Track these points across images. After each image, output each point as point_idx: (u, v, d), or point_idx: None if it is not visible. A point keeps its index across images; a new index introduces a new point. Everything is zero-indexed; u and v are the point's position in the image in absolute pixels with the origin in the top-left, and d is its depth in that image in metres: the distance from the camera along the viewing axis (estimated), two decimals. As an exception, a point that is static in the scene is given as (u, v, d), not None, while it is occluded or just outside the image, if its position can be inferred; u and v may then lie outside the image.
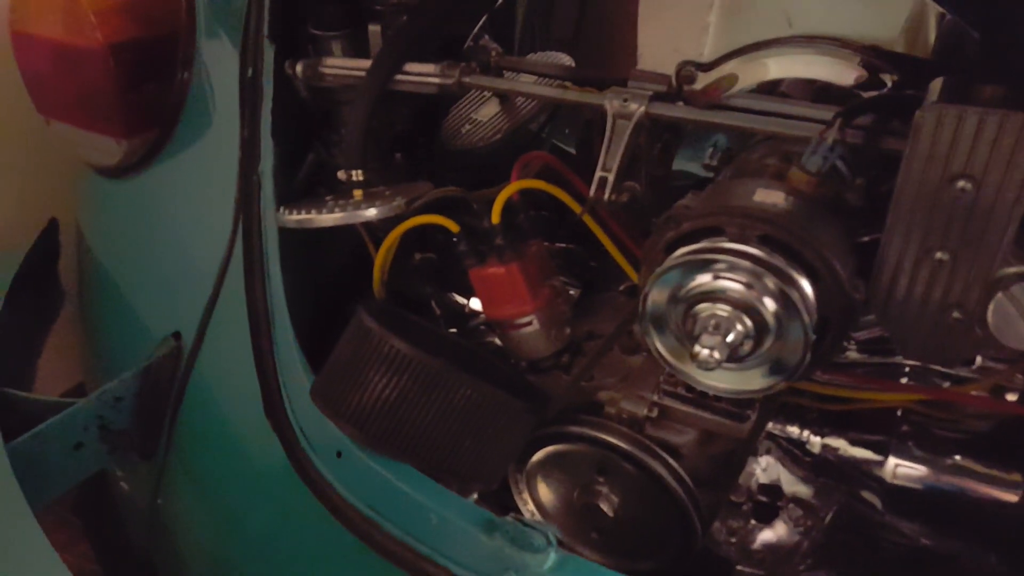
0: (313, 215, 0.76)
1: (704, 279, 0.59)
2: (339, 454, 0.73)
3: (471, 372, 0.72)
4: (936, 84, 0.57)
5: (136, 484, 1.03)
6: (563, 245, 1.05)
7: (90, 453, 0.87)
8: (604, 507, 0.80)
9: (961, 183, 0.54)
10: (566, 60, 1.03)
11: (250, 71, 0.88)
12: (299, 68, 0.84)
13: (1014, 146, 0.51)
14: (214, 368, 0.88)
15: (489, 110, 1.00)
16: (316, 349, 0.80)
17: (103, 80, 0.90)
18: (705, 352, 0.58)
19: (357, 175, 0.80)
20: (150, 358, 0.90)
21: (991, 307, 0.55)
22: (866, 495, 0.79)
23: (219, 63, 0.93)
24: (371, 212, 0.76)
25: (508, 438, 0.74)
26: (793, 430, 0.80)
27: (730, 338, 0.58)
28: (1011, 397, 0.75)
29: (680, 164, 0.93)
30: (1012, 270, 0.56)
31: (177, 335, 0.91)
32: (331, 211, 0.75)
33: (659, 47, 0.97)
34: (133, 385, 0.88)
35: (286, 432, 0.76)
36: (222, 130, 0.91)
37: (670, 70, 0.73)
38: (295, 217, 0.77)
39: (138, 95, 0.93)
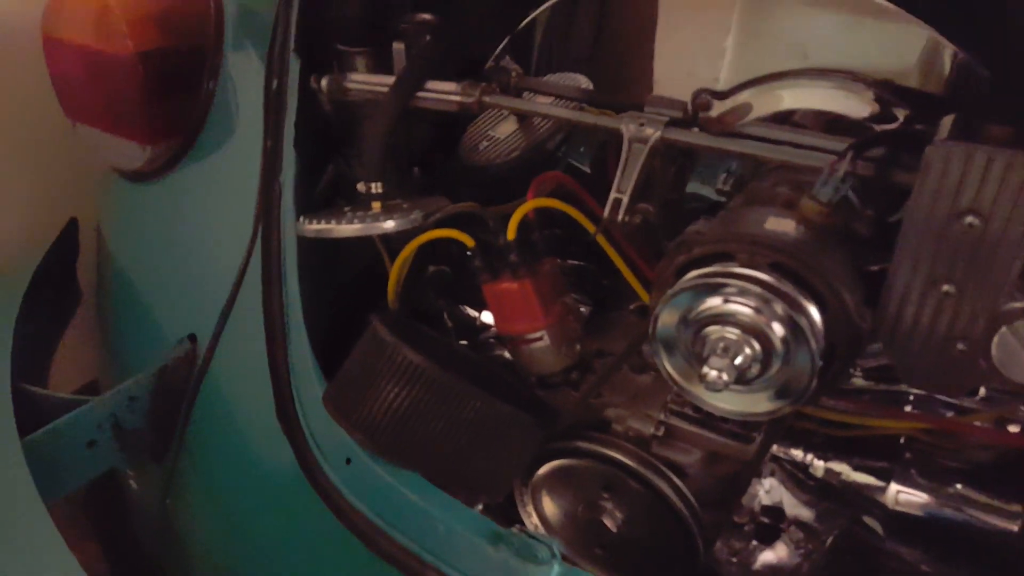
0: (332, 225, 0.77)
1: (714, 302, 0.60)
2: (348, 461, 0.75)
3: (481, 385, 0.73)
4: (947, 121, 0.59)
5: (146, 484, 1.04)
6: (576, 263, 1.06)
7: (103, 451, 0.89)
8: (608, 523, 0.81)
9: (969, 219, 0.55)
10: (583, 82, 1.05)
11: (275, 83, 0.90)
12: (324, 83, 0.86)
13: (1021, 185, 0.53)
14: (228, 372, 0.90)
15: (507, 128, 1.02)
16: (330, 357, 0.82)
17: (131, 87, 0.92)
18: (713, 373, 0.59)
19: (376, 187, 0.82)
20: (165, 359, 0.92)
21: (995, 340, 0.57)
22: (868, 520, 0.80)
23: (245, 75, 0.96)
24: (389, 224, 0.77)
25: (516, 451, 0.76)
26: (797, 453, 0.81)
27: (738, 361, 0.59)
28: (1013, 429, 0.76)
29: (694, 187, 0.94)
30: (1017, 305, 0.57)
31: (193, 338, 0.93)
32: (350, 222, 0.77)
33: (675, 69, 0.98)
34: (148, 385, 0.90)
35: (297, 437, 0.77)
36: (245, 140, 0.93)
37: (685, 92, 0.75)
38: (314, 227, 0.78)
39: (164, 102, 0.95)
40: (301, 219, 0.81)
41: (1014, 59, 0.57)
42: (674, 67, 0.99)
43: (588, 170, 1.22)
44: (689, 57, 0.97)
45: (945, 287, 0.58)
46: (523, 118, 0.98)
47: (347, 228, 0.77)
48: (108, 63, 0.95)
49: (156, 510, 1.00)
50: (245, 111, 0.96)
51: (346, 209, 0.83)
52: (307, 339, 0.80)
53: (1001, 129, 0.55)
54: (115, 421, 0.89)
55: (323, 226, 0.78)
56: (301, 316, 0.81)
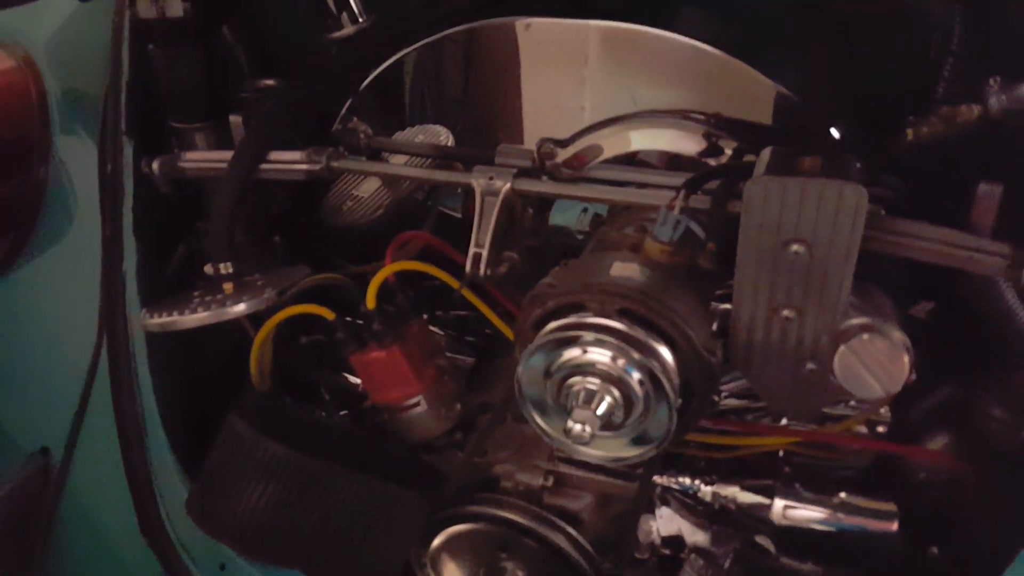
0: (175, 317, 0.73)
1: (573, 353, 0.60)
2: (223, 567, 0.70)
3: (356, 464, 0.70)
4: (765, 154, 0.61)
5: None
6: (458, 312, 1.05)
7: (-51, 593, 0.80)
8: (509, 583, 0.79)
9: (795, 247, 0.57)
10: (443, 134, 1.05)
11: (109, 168, 0.85)
12: (155, 166, 0.82)
13: (836, 211, 0.55)
14: (87, 485, 0.83)
15: (370, 186, 1.00)
16: (200, 454, 0.77)
17: (-53, 187, 0.85)
18: (578, 427, 0.58)
19: (226, 268, 0.78)
20: (16, 479, 0.84)
21: (836, 359, 0.58)
22: (759, 539, 0.81)
23: (78, 160, 0.90)
24: (239, 308, 0.74)
25: (403, 530, 0.73)
26: (684, 481, 0.82)
27: (600, 410, 0.59)
28: (882, 430, 0.80)
29: (561, 220, 0.95)
30: (854, 322, 0.59)
31: (45, 451, 0.85)
32: (195, 311, 0.73)
33: (542, 102, 1.00)
34: (-4, 512, 0.82)
35: (165, 550, 0.72)
36: (83, 229, 0.88)
37: (554, 124, 0.75)
38: (157, 321, 0.74)
39: (-11, 197, 0.88)
40: (143, 313, 0.76)
41: (815, 89, 0.60)
42: (541, 99, 1.00)
43: (460, 215, 1.22)
44: (554, 88, 0.98)
45: (785, 312, 0.60)
46: (384, 175, 0.96)
47: (192, 319, 0.73)
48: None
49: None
50: (82, 199, 0.90)
51: (195, 294, 0.79)
52: (166, 441, 0.75)
53: (811, 160, 0.57)
54: (-43, 560, 0.80)
55: (166, 319, 0.73)
56: (158, 416, 0.76)
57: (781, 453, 0.81)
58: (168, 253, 0.88)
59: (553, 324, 0.61)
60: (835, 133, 0.65)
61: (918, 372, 0.62)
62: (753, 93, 0.71)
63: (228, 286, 0.78)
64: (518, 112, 1.03)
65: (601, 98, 0.85)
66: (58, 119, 0.90)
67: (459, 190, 1.26)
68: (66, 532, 0.84)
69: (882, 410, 0.78)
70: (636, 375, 0.58)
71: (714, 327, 0.62)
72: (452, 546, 0.81)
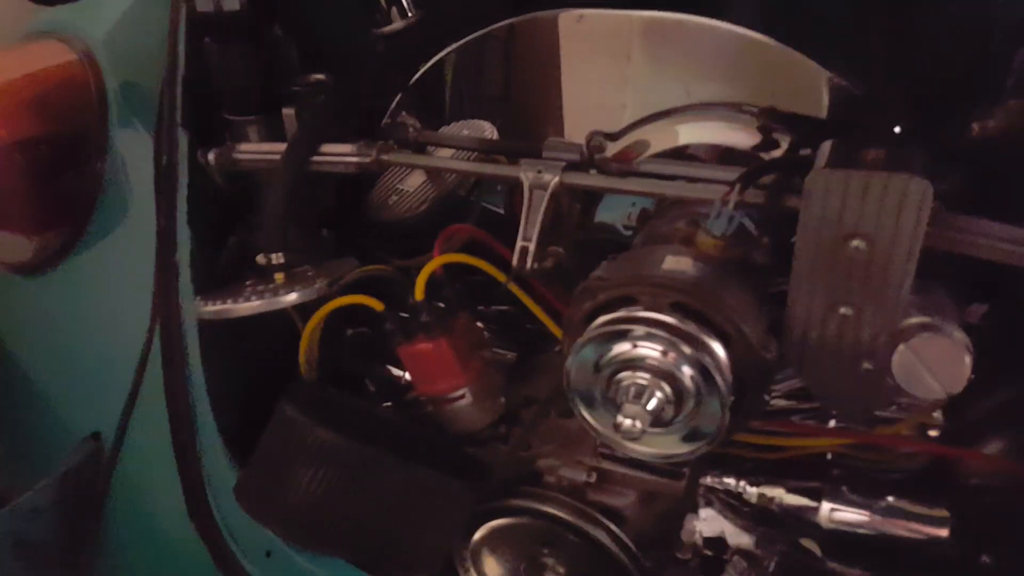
0: (229, 305, 0.74)
1: (623, 348, 0.60)
2: (269, 554, 0.71)
3: (404, 453, 0.71)
4: (826, 147, 0.60)
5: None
6: (500, 307, 1.05)
7: (5, 574, 0.82)
8: (551, 579, 0.79)
9: (855, 242, 0.56)
10: (488, 129, 1.05)
11: (165, 159, 0.87)
12: (211, 157, 0.83)
13: (899, 205, 0.54)
14: (137, 470, 0.85)
15: (415, 180, 1.01)
16: (250, 442, 0.78)
17: (9, 179, 0.88)
18: (628, 422, 0.58)
19: (277, 258, 0.80)
20: (68, 463, 0.86)
21: (895, 359, 0.57)
22: (805, 542, 0.79)
23: (134, 153, 0.92)
24: (291, 297, 0.75)
25: (447, 520, 0.73)
26: (730, 481, 0.81)
27: (651, 405, 0.58)
28: (934, 433, 0.78)
29: (606, 218, 0.95)
30: (913, 321, 0.58)
31: (97, 436, 0.87)
32: (248, 299, 0.74)
33: (583, 101, 1.00)
34: (51, 494, 0.84)
35: (212, 535, 0.73)
36: (138, 221, 0.89)
37: (594, 122, 0.74)
38: (211, 308, 0.75)
39: (48, 189, 0.91)
40: (197, 300, 0.78)
41: (879, 80, 0.59)
42: (582, 98, 1.00)
43: (503, 212, 1.22)
44: (596, 87, 0.98)
45: (843, 310, 0.59)
46: (429, 169, 0.97)
47: (246, 307, 0.74)
48: (-17, 155, 0.90)
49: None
50: (137, 191, 0.92)
51: (247, 284, 0.80)
52: (216, 428, 0.76)
53: (876, 152, 0.56)
54: (15, 540, 0.82)
55: (220, 307, 0.74)
56: (208, 403, 0.77)
57: (829, 455, 0.80)
58: (220, 244, 0.90)
59: (603, 317, 0.61)
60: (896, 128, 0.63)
61: (974, 373, 0.60)
62: (808, 83, 0.70)
63: (280, 276, 0.79)
64: (559, 109, 1.03)
65: (645, 92, 0.85)
66: (116, 112, 0.92)
67: (499, 187, 1.27)
68: (116, 516, 0.86)
69: (935, 413, 0.76)
70: (688, 371, 0.58)
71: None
72: (493, 540, 0.81)
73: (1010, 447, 0.76)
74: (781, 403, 0.80)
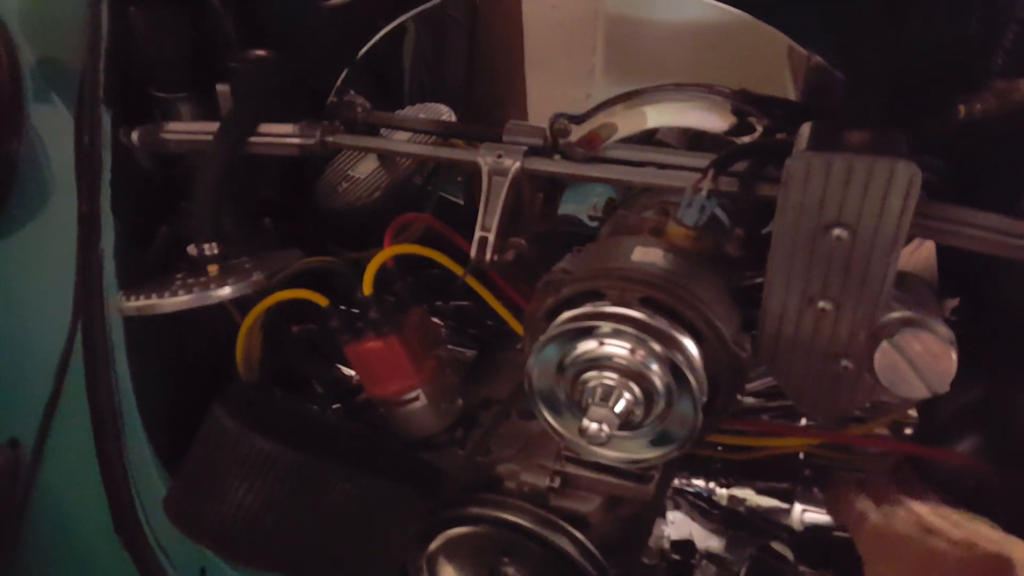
0: (154, 300, 0.67)
1: (589, 346, 0.55)
2: (203, 571, 0.64)
3: (350, 460, 0.65)
4: (805, 129, 0.56)
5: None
6: (458, 303, 0.99)
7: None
8: (512, 590, 0.74)
9: (836, 231, 0.52)
10: (445, 113, 0.99)
11: (86, 140, 0.79)
12: (135, 136, 0.76)
13: (885, 191, 0.50)
14: (59, 480, 0.77)
15: (367, 166, 0.95)
16: (186, 449, 0.71)
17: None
18: (594, 427, 0.53)
19: (211, 249, 0.73)
20: (-19, 473, 0.78)
21: (877, 356, 0.54)
22: (777, 546, 0.76)
23: (53, 133, 0.84)
24: (224, 291, 0.68)
25: (399, 532, 0.68)
26: (699, 483, 0.78)
27: (619, 407, 0.54)
28: (908, 432, 0.75)
29: (570, 209, 0.90)
30: (896, 315, 0.55)
31: (14, 442, 0.80)
32: (176, 294, 0.67)
33: (547, 91, 0.95)
34: (-40, 508, 0.76)
35: (141, 550, 0.67)
36: (59, 207, 0.81)
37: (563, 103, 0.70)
38: (134, 304, 0.68)
39: (-45, 173, 0.82)
40: (120, 295, 0.70)
41: (864, 60, 0.55)
42: (546, 88, 0.96)
43: (462, 202, 1.17)
44: (560, 78, 0.94)
45: (821, 303, 0.55)
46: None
47: (173, 301, 0.67)
48: None
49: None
50: (57, 175, 0.84)
51: (177, 276, 0.73)
52: (145, 434, 0.69)
53: (859, 134, 0.52)
54: (-83, 559, 0.74)
55: (144, 302, 0.67)
56: (136, 407, 0.70)
57: (801, 455, 0.77)
58: (150, 234, 0.83)
59: (568, 314, 0.56)
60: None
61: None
62: (784, 62, 0.66)
63: (213, 268, 0.72)
64: (522, 98, 0.98)
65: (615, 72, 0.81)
66: (32, 88, 0.84)
67: (459, 178, 1.22)
68: (36, 529, 0.79)
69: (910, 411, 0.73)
70: (658, 370, 0.53)
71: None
72: (451, 549, 0.76)
73: (982, 444, 0.74)
74: (751, 401, 0.77)
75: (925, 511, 0.61)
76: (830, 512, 0.71)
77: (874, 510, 0.63)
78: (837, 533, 0.72)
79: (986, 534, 0.58)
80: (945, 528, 0.58)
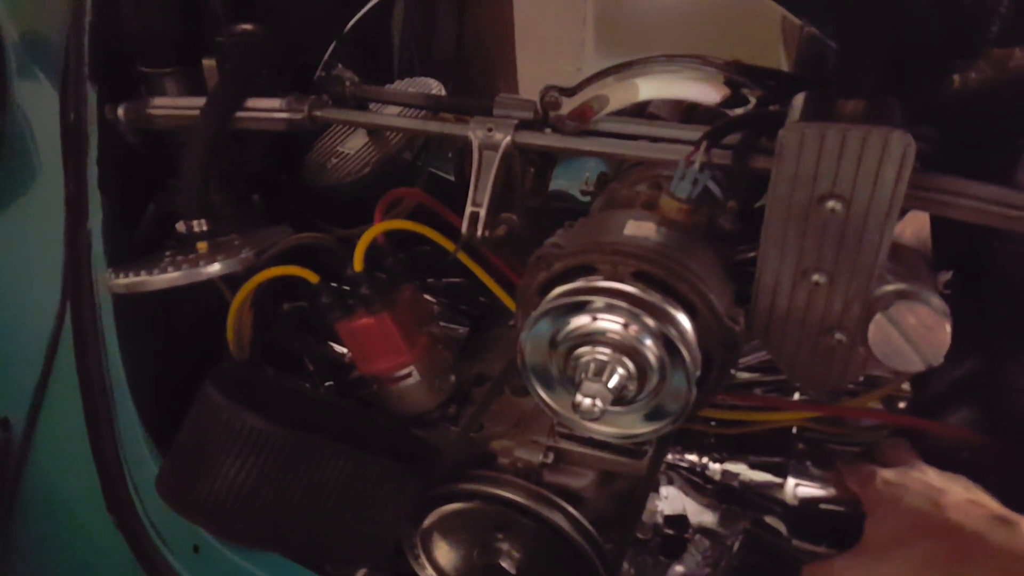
0: (143, 277, 0.66)
1: (581, 321, 0.55)
2: (196, 549, 0.64)
3: (343, 438, 0.65)
4: (798, 100, 0.55)
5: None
6: (450, 280, 0.99)
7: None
8: (506, 565, 0.74)
9: (831, 203, 0.51)
10: (435, 87, 0.98)
11: (72, 116, 0.78)
12: (121, 111, 0.75)
13: (879, 161, 0.49)
14: (51, 459, 0.77)
15: (356, 142, 0.93)
16: (178, 427, 0.71)
17: None
18: (587, 402, 0.53)
19: (199, 226, 0.72)
20: (-27, 453, 0.78)
21: (871, 329, 0.53)
22: (770, 520, 0.77)
23: (38, 109, 0.83)
24: (213, 268, 0.67)
25: (392, 509, 0.68)
26: (692, 458, 0.77)
27: (612, 383, 0.54)
28: (902, 405, 0.75)
29: (561, 185, 0.90)
30: (890, 288, 0.54)
31: (5, 422, 0.79)
32: (165, 271, 0.66)
33: (537, 65, 0.94)
34: (-48, 488, 0.76)
35: (134, 529, 0.66)
36: (45, 185, 0.81)
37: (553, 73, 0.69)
38: (123, 281, 0.67)
39: (-61, 150, 0.81)
40: (108, 273, 0.70)
41: (857, 29, 0.54)
42: (536, 62, 0.95)
43: (453, 178, 1.16)
44: (550, 51, 0.93)
45: (815, 276, 0.55)
46: (373, 130, 0.89)
47: (162, 278, 0.66)
48: None
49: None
50: (43, 151, 0.83)
51: (166, 254, 0.72)
52: (136, 412, 0.69)
53: (853, 104, 0.51)
54: (-90, 538, 0.74)
55: (133, 279, 0.67)
56: (126, 386, 0.70)
57: (794, 429, 0.77)
58: (138, 211, 0.82)
59: (560, 288, 0.56)
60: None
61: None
62: (777, 33, 0.65)
63: (202, 245, 0.71)
64: (514, 72, 0.97)
65: (605, 45, 0.80)
66: (15, 64, 0.82)
67: (449, 154, 1.21)
68: (29, 509, 0.79)
69: (904, 384, 0.73)
70: (652, 345, 0.53)
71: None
72: (445, 526, 0.76)
73: (976, 416, 0.74)
74: (745, 376, 0.77)
75: (933, 473, 0.62)
76: (831, 483, 0.71)
77: (884, 469, 0.64)
78: (830, 507, 0.72)
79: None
80: (955, 489, 0.60)
